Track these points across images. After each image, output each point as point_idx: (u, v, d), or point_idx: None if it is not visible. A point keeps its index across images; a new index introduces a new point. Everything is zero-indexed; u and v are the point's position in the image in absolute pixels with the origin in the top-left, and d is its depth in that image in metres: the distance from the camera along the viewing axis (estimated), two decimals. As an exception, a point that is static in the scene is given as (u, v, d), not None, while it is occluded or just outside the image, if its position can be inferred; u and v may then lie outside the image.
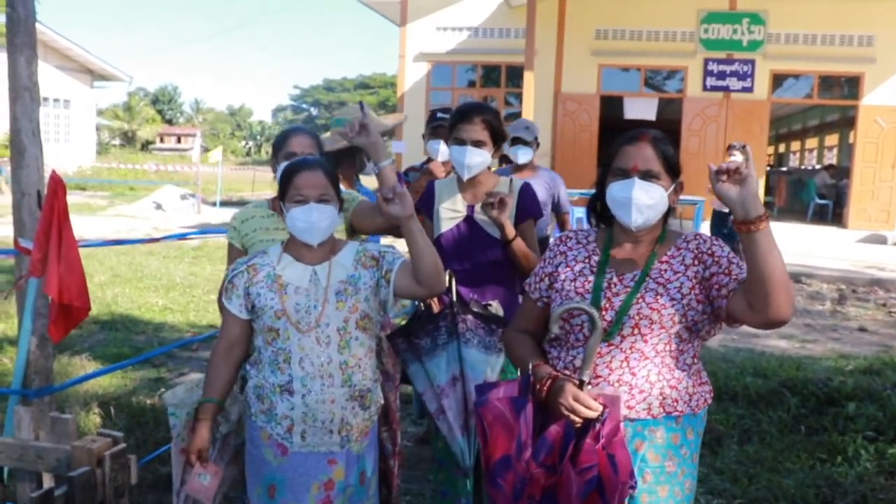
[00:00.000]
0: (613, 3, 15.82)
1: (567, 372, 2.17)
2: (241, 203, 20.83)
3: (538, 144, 5.36)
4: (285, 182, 2.45)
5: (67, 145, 26.44)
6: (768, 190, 18.08)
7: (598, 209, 2.31)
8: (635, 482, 2.06)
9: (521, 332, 2.40)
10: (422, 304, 3.07)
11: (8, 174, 19.26)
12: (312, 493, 2.40)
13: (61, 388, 3.10)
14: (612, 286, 2.17)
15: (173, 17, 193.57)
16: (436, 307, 3.04)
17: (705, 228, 14.49)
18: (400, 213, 2.33)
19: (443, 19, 17.01)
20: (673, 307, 2.11)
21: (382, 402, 2.60)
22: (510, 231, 3.01)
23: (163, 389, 5.26)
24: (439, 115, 4.48)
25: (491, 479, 2.13)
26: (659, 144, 2.17)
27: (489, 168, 3.28)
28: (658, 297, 2.12)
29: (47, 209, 2.58)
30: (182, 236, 6.07)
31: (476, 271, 3.16)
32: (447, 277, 3.21)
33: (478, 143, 3.08)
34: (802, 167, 27.31)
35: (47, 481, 2.08)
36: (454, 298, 3.10)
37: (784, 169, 26.87)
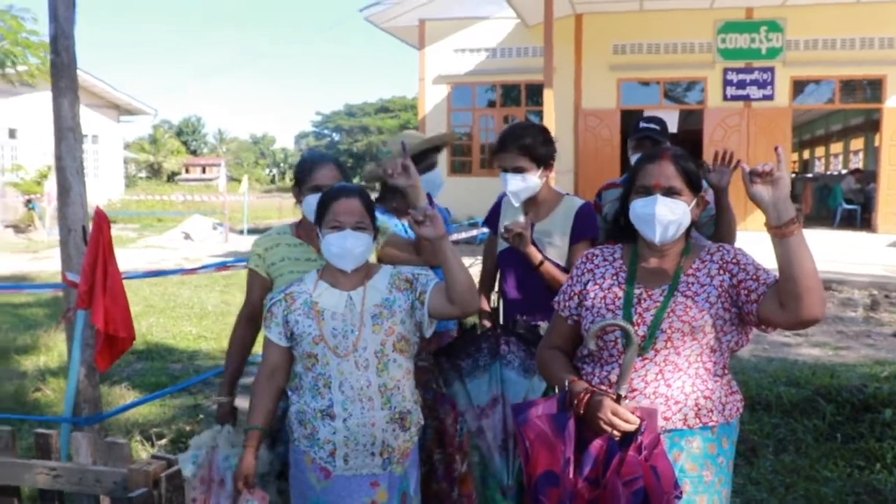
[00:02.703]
0: (630, 17, 15.91)
1: (603, 387, 2.21)
2: (268, 230, 21.06)
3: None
4: (322, 208, 2.49)
5: (97, 179, 26.91)
6: (794, 197, 17.90)
7: (623, 225, 2.35)
8: (680, 492, 2.09)
9: (552, 348, 2.43)
10: (465, 323, 3.10)
11: (41, 209, 19.70)
12: None
13: (110, 415, 3.20)
14: (642, 301, 2.22)
15: (194, 50, 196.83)
16: (486, 324, 3.10)
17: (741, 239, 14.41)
18: (431, 234, 2.38)
19: (461, 41, 17.19)
20: (703, 318, 2.15)
21: (423, 422, 2.62)
22: (534, 258, 3.05)
23: (201, 416, 5.37)
24: (643, 124, 4.15)
25: (534, 496, 2.17)
26: (679, 161, 2.23)
27: (546, 184, 3.21)
28: (688, 309, 2.16)
29: (93, 244, 2.69)
30: (219, 265, 6.20)
31: (530, 290, 3.17)
32: (495, 298, 3.28)
33: (517, 170, 3.08)
34: (828, 172, 27.04)
35: (105, 505, 2.17)
36: (499, 320, 3.16)
37: (809, 175, 26.65)
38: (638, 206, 2.23)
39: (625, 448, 2.06)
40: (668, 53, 16.04)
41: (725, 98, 15.86)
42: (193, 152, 69.35)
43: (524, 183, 3.09)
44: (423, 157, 3.33)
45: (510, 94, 17.60)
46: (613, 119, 16.20)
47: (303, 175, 2.84)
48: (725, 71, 15.79)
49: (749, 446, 4.63)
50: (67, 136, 2.70)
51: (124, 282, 2.92)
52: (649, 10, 15.63)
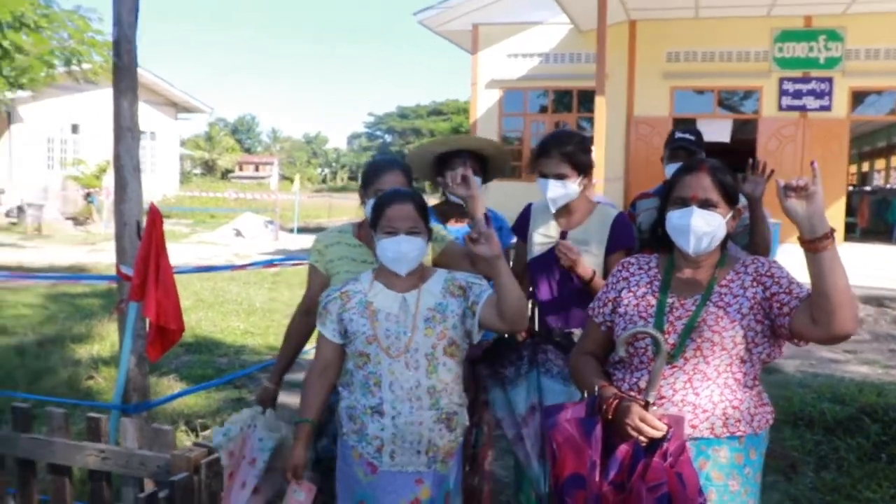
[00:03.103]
0: (685, 25, 15.74)
1: (632, 393, 2.24)
2: (318, 229, 21.36)
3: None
4: (377, 212, 2.53)
5: (153, 175, 27.60)
6: (850, 210, 17.53)
7: (660, 235, 2.37)
8: (704, 499, 2.11)
9: (585, 354, 2.47)
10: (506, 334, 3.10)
11: (99, 203, 20.27)
12: None
13: (157, 403, 3.32)
14: (675, 310, 2.25)
15: (252, 48, 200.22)
16: (521, 336, 3.11)
17: (784, 250, 14.19)
18: (487, 253, 2.38)
19: (513, 46, 17.20)
20: (734, 329, 2.18)
21: (468, 423, 2.66)
22: (584, 273, 3.05)
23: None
24: (678, 135, 4.21)
25: (560, 499, 2.21)
26: (717, 174, 2.25)
27: (582, 192, 3.21)
28: (719, 319, 2.19)
29: (146, 238, 2.80)
30: (268, 263, 6.34)
31: (563, 297, 3.17)
32: (529, 307, 3.24)
33: (559, 177, 3.09)
34: (888, 186, 26.36)
35: (148, 487, 2.27)
36: (536, 328, 3.18)
37: (868, 188, 26.00)
38: (674, 218, 2.26)
39: (650, 454, 2.08)
40: (723, 62, 15.82)
41: (781, 108, 15.58)
42: (247, 150, 70.56)
43: (564, 190, 3.11)
44: (472, 163, 3.28)
45: (562, 99, 17.56)
46: (665, 127, 16.01)
47: (369, 178, 2.87)
48: (781, 80, 15.51)
49: (789, 463, 4.59)
50: (126, 135, 2.83)
51: (175, 276, 3.03)
52: (705, 17, 15.43)
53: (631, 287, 2.37)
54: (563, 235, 3.19)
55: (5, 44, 12.09)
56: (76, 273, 11.67)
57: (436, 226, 2.87)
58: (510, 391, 3.03)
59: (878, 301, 10.53)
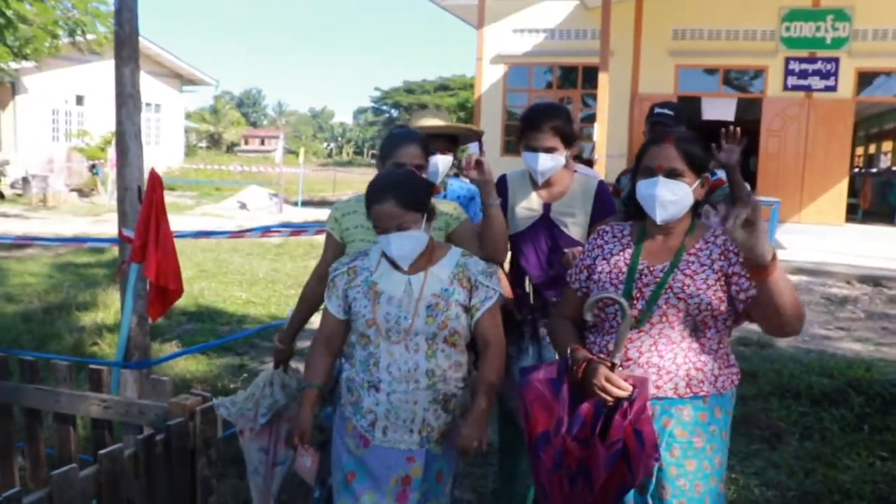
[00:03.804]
0: (692, 3, 15.70)
1: (602, 356, 2.35)
2: (322, 203, 21.44)
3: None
4: (367, 209, 2.53)
5: (158, 147, 27.66)
6: (853, 192, 17.54)
7: (634, 204, 2.45)
8: (659, 455, 2.24)
9: (563, 318, 2.59)
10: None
11: (104, 174, 20.34)
12: (390, 485, 2.48)
13: (157, 362, 3.44)
14: (644, 276, 2.35)
15: (258, 22, 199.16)
16: (517, 315, 3.16)
17: (784, 230, 14.26)
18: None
19: (519, 21, 17.17)
20: (698, 297, 2.27)
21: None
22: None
23: (244, 375, 5.64)
24: (657, 110, 4.18)
25: (533, 453, 2.33)
26: (682, 144, 2.33)
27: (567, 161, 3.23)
28: (685, 287, 2.29)
29: (147, 202, 2.90)
30: (265, 229, 6.45)
31: (555, 271, 3.15)
32: (527, 284, 3.26)
33: (549, 150, 3.09)
34: (894, 168, 26.27)
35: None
36: (532, 303, 3.21)
37: (874, 170, 25.93)
38: (642, 187, 2.35)
39: (615, 413, 2.21)
40: (729, 40, 15.79)
41: (786, 88, 15.56)
42: (253, 124, 70.52)
43: (553, 163, 3.12)
44: (440, 143, 3.33)
45: (567, 76, 17.54)
46: (669, 105, 16.03)
47: (387, 150, 2.90)
48: (787, 60, 15.48)
49: (774, 432, 4.70)
50: (127, 102, 2.91)
51: (178, 246, 3.13)
52: (712, -6, 15.41)
53: (605, 254, 2.47)
54: (548, 208, 3.20)
55: (9, 13, 12.12)
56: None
57: (454, 206, 2.98)
58: (513, 367, 3.04)
59: (874, 280, 10.63)
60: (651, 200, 2.33)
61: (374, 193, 2.48)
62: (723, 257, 2.32)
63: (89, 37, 14.26)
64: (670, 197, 2.30)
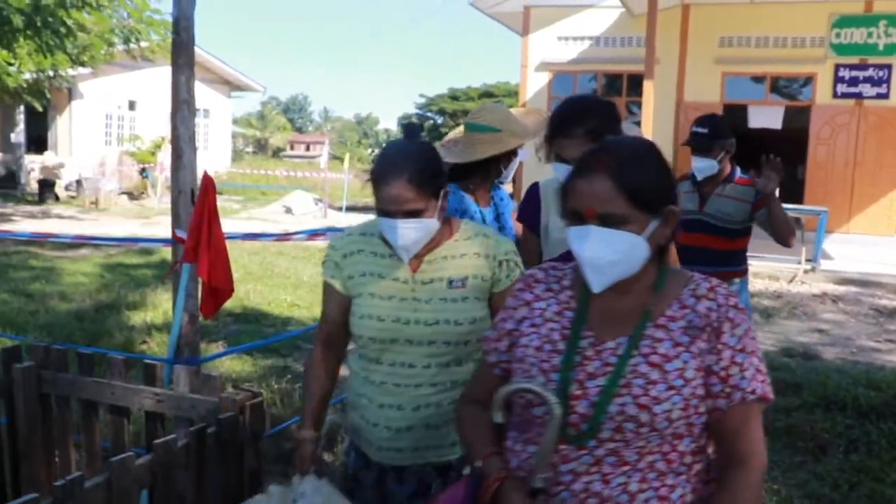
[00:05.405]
0: (739, 9, 15.52)
1: (523, 472, 1.62)
2: (366, 209, 21.65)
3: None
4: (373, 185, 2.10)
5: (206, 152, 28.15)
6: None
7: None
8: None
9: (474, 404, 1.79)
10: None
11: (153, 178, 20.79)
12: None
13: (206, 360, 3.54)
14: (587, 362, 1.58)
15: (306, 29, 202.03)
16: None
17: (832, 240, 13.99)
18: None
19: (564, 29, 17.16)
20: (670, 401, 1.51)
21: None
22: None
23: (289, 375, 5.74)
24: (693, 129, 4.08)
25: None
26: (621, 174, 1.54)
27: None
28: (650, 385, 1.53)
29: (199, 204, 3.00)
30: (312, 233, 6.58)
31: None
32: None
33: None
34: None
35: (199, 428, 2.49)
36: None
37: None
38: (571, 239, 1.60)
39: None
40: (777, 47, 15.57)
41: (836, 95, 15.27)
42: (299, 130, 71.39)
43: None
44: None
45: (612, 84, 17.47)
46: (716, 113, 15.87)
47: (373, 185, 2.08)
48: (837, 67, 15.20)
49: (818, 444, 4.65)
50: (182, 107, 3.02)
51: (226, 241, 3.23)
52: (760, 1, 15.19)
53: (534, 319, 1.69)
54: None
55: (69, 22, 12.53)
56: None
57: (512, 256, 2.20)
58: None
59: (926, 293, 10.39)
60: (581, 262, 1.59)
61: (387, 169, 2.02)
62: (704, 334, 1.57)
63: (142, 44, 14.64)
64: (609, 255, 1.54)
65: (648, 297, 1.61)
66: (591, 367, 1.57)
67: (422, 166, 2.02)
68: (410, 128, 2.18)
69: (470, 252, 2.15)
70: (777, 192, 3.89)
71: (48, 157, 22.43)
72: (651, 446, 1.53)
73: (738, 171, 4.16)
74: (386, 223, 2.04)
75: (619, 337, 1.58)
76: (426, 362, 2.12)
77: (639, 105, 15.52)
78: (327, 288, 2.26)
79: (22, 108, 21.14)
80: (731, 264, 4.05)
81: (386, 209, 2.02)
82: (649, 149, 1.64)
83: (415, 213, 2.01)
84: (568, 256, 1.73)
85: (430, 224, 2.05)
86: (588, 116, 2.54)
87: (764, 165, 3.85)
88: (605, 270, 1.56)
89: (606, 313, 1.62)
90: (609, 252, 1.54)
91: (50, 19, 12.17)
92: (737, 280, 4.04)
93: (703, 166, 4.05)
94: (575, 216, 1.58)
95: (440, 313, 2.09)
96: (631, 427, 1.51)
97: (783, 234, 3.94)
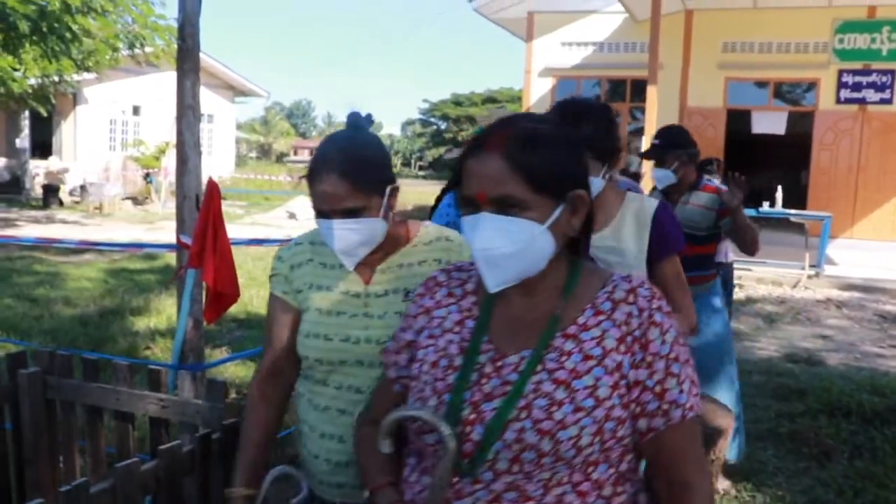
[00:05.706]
0: (742, 15, 15.54)
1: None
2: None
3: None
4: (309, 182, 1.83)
5: (210, 157, 28.17)
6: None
7: None
8: None
9: (373, 424, 1.54)
10: None
11: (157, 183, 20.82)
12: None
13: (211, 365, 3.55)
14: (485, 381, 1.35)
15: (310, 34, 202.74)
16: None
17: (835, 245, 13.98)
18: None
19: (568, 35, 17.21)
20: (578, 425, 1.28)
21: None
22: None
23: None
24: (653, 140, 4.13)
25: None
26: (516, 151, 1.31)
27: (610, 180, 2.43)
28: (554, 406, 1.29)
29: (204, 209, 3.01)
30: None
31: None
32: None
33: None
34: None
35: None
36: None
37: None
38: (464, 229, 1.38)
39: None
40: (781, 53, 15.59)
41: (839, 101, 15.29)
42: (302, 135, 71.56)
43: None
44: None
45: (616, 89, 17.50)
46: (719, 118, 15.89)
47: (308, 183, 1.81)
48: (840, 72, 15.22)
49: (823, 450, 4.64)
50: (188, 113, 3.04)
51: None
52: (763, 7, 15.23)
53: (433, 327, 1.47)
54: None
55: (74, 27, 12.57)
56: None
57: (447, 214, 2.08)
58: None
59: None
60: (474, 255, 1.35)
61: (320, 163, 1.76)
62: (622, 344, 1.33)
63: (147, 49, 14.68)
64: (503, 247, 1.31)
65: (556, 301, 1.38)
66: (489, 385, 1.33)
67: (357, 158, 1.75)
68: (355, 117, 1.91)
69: (430, 258, 1.88)
70: (742, 208, 4.00)
71: (53, 163, 22.51)
72: (559, 477, 1.30)
73: (704, 178, 4.29)
74: (323, 224, 1.77)
75: (524, 350, 1.35)
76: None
77: (642, 110, 15.53)
78: (277, 306, 1.94)
79: (27, 113, 21.23)
80: (703, 268, 4.12)
81: (320, 208, 1.76)
82: (555, 126, 1.38)
83: (353, 213, 1.73)
84: None
85: (373, 224, 1.76)
86: (579, 125, 2.32)
87: (730, 181, 3.97)
88: (500, 264, 1.32)
89: (511, 322, 1.39)
90: (503, 242, 1.30)
91: (55, 25, 12.21)
92: (707, 284, 4.15)
93: (659, 176, 4.17)
94: (468, 203, 1.35)
95: (394, 330, 1.63)
96: (531, 457, 1.27)
97: (746, 244, 4.11)
